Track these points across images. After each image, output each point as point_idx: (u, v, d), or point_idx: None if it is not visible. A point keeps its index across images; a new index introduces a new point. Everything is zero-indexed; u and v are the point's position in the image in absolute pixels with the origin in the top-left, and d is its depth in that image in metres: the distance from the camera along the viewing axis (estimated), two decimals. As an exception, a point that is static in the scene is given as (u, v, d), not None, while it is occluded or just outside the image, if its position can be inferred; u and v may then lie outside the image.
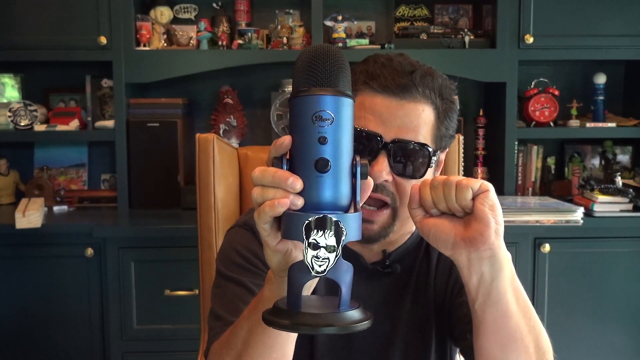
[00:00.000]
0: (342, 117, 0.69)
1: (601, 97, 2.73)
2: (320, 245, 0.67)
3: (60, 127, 2.59)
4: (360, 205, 0.71)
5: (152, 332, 2.28)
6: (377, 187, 1.00)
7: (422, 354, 1.13)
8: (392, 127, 1.00)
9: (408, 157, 1.01)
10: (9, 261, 2.33)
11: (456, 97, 1.08)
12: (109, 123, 2.61)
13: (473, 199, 0.84)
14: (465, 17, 2.86)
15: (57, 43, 2.51)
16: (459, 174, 1.53)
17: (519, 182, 2.79)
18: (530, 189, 2.80)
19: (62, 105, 2.81)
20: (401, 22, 2.83)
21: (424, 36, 2.65)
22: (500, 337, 0.88)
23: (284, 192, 0.68)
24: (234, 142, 2.72)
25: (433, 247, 1.15)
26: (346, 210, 0.70)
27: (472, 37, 2.64)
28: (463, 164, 1.56)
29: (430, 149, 1.02)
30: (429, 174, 1.04)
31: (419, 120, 1.01)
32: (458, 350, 1.22)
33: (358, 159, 0.71)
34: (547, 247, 2.36)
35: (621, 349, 2.44)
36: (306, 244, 0.67)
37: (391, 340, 1.12)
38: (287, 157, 0.71)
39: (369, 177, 0.72)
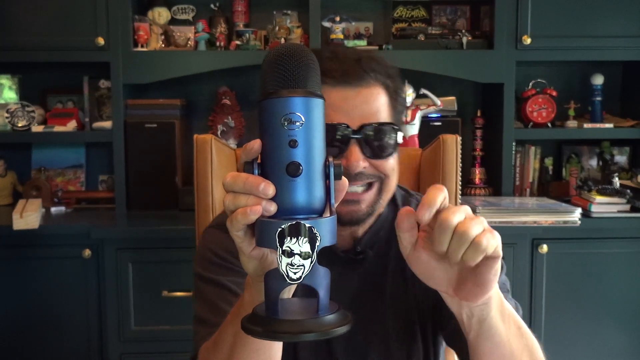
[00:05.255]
0: (312, 118, 0.67)
1: (598, 98, 2.74)
2: (295, 252, 0.65)
3: (58, 128, 2.58)
4: (335, 206, 0.70)
5: (150, 333, 2.28)
6: (356, 177, 1.02)
7: (408, 342, 1.12)
8: (355, 116, 1.02)
9: (378, 139, 1.03)
10: (6, 262, 2.32)
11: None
12: (107, 124, 2.61)
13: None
14: (462, 18, 2.87)
15: (54, 44, 2.51)
16: (456, 176, 1.53)
17: (517, 182, 2.79)
18: (528, 189, 2.80)
19: (60, 106, 2.80)
20: (399, 23, 2.83)
21: (421, 37, 2.65)
22: None
23: (256, 199, 0.67)
24: (232, 143, 2.72)
25: None
26: (321, 213, 0.69)
27: (469, 38, 2.64)
28: (461, 164, 1.56)
29: (395, 126, 1.05)
30: (396, 151, 1.07)
31: (377, 103, 1.04)
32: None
33: (331, 159, 0.69)
34: (544, 248, 2.36)
35: (619, 349, 2.44)
36: (280, 252, 0.65)
37: (372, 330, 1.11)
38: (259, 161, 0.69)
39: (343, 177, 0.70)
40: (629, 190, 2.42)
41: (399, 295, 1.13)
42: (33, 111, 2.59)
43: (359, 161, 1.01)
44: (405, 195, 1.23)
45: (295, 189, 0.67)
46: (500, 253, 0.76)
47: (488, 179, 2.77)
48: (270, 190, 0.66)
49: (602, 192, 2.44)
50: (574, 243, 2.40)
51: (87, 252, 2.29)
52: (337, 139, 1.01)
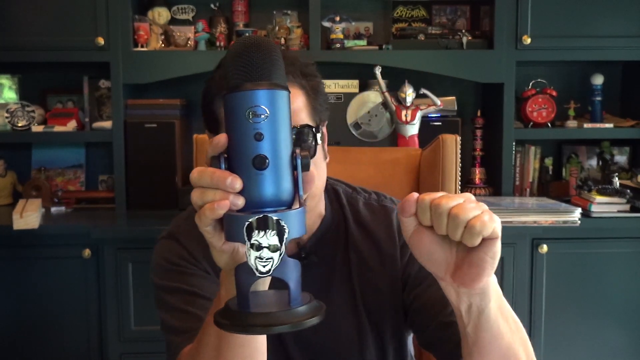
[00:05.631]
0: (277, 110, 0.67)
1: (598, 98, 2.74)
2: (263, 245, 0.66)
3: (58, 128, 2.58)
4: (304, 198, 0.70)
5: (150, 333, 2.28)
6: None
7: (360, 346, 1.12)
8: None
9: (297, 142, 1.00)
10: (6, 262, 2.32)
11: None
12: (107, 124, 2.61)
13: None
14: (462, 18, 2.87)
15: (54, 44, 2.51)
16: (456, 176, 1.53)
17: (517, 182, 2.79)
18: (528, 189, 2.80)
19: (60, 106, 2.80)
20: (399, 23, 2.83)
21: (421, 37, 2.65)
22: (494, 357, 0.87)
23: (223, 193, 0.67)
24: (232, 143, 2.72)
25: (356, 236, 1.13)
26: (290, 205, 0.69)
27: (469, 38, 2.64)
28: (461, 164, 1.57)
29: (313, 128, 1.03)
30: (319, 151, 1.05)
31: (294, 105, 1.00)
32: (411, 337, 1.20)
33: (298, 151, 0.69)
34: (544, 248, 2.36)
35: (619, 349, 2.44)
36: (248, 246, 0.66)
37: (324, 335, 1.10)
38: (225, 155, 0.69)
39: (310, 169, 0.70)
40: (629, 190, 2.42)
41: (348, 301, 1.12)
42: (33, 111, 2.59)
43: None
44: (350, 192, 1.21)
45: (262, 182, 0.67)
46: (498, 234, 0.76)
47: (488, 179, 2.77)
48: (237, 184, 0.66)
49: (602, 192, 2.44)
50: (574, 243, 2.40)
51: (87, 252, 2.29)
52: None
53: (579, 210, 2.35)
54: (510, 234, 2.31)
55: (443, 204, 0.75)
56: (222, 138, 0.68)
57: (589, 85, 2.76)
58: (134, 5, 2.60)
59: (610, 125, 2.69)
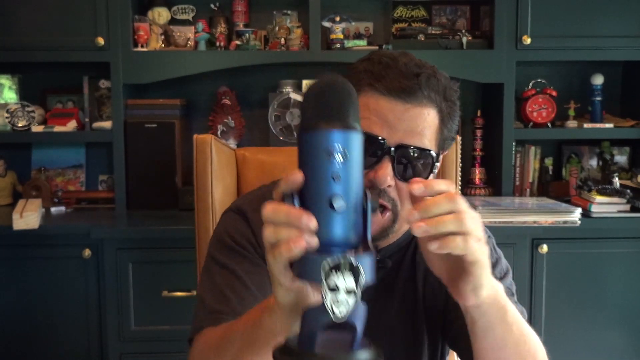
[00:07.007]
0: (353, 152, 0.67)
1: (598, 98, 2.73)
2: (340, 287, 0.65)
3: (58, 128, 2.58)
4: (370, 239, 0.69)
5: (149, 333, 2.28)
6: (379, 193, 0.98)
7: (414, 348, 1.13)
8: (397, 132, 0.98)
9: (412, 162, 0.99)
10: (6, 262, 2.32)
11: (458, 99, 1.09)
12: (107, 124, 2.61)
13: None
14: (462, 18, 2.87)
15: (54, 44, 2.51)
16: (456, 176, 1.53)
17: (517, 182, 2.79)
18: (528, 189, 2.80)
19: (60, 106, 2.80)
20: (399, 23, 2.83)
21: (421, 37, 2.65)
22: None
23: (298, 232, 0.65)
24: (232, 143, 2.72)
25: None
26: (357, 246, 0.68)
27: (469, 38, 2.64)
28: (461, 164, 1.57)
29: (434, 154, 1.01)
30: (431, 178, 1.03)
31: (424, 124, 0.99)
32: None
33: (368, 192, 0.69)
34: (544, 248, 2.36)
35: (619, 349, 2.44)
36: (326, 288, 0.64)
37: (379, 336, 1.11)
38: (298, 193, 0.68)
39: (376, 210, 0.72)
40: (629, 190, 2.42)
41: (408, 303, 1.13)
42: (33, 111, 2.59)
43: (387, 177, 0.97)
44: None
45: (335, 222, 0.66)
46: (478, 257, 0.76)
47: (488, 179, 2.77)
48: (313, 223, 0.65)
49: (602, 192, 2.44)
50: (574, 243, 2.40)
51: (87, 252, 2.29)
52: (371, 150, 0.97)
53: (579, 210, 2.35)
54: (510, 234, 2.31)
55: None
56: (298, 176, 0.67)
57: (589, 85, 2.76)
58: (134, 5, 2.60)
59: (610, 125, 2.69)
